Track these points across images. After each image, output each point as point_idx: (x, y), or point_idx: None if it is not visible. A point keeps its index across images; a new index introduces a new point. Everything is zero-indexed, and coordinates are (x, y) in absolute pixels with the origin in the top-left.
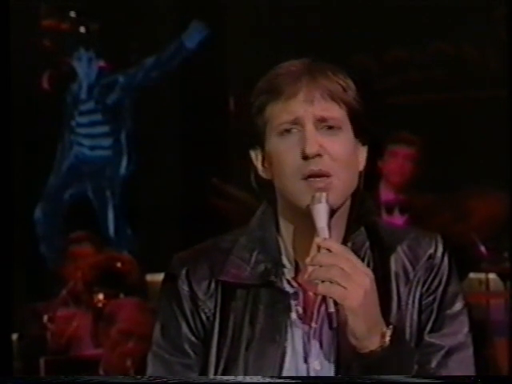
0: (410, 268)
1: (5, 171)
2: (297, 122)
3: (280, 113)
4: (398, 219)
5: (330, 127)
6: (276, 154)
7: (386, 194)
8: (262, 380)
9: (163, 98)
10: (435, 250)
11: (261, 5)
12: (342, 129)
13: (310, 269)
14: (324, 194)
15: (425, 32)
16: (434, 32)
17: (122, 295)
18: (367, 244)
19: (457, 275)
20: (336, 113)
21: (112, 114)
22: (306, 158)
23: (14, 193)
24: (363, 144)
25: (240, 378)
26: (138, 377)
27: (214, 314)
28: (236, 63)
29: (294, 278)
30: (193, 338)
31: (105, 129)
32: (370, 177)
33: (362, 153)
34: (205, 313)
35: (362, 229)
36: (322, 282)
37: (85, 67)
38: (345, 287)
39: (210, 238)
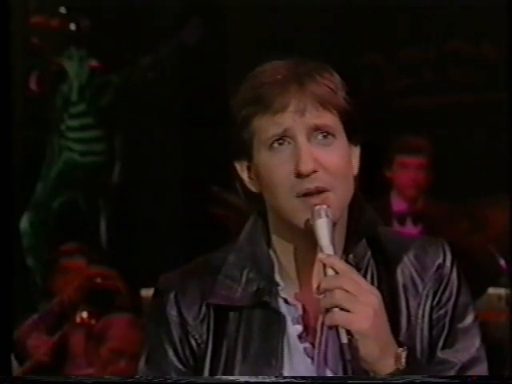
0: (418, 280)
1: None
2: (287, 134)
3: (268, 126)
4: (411, 230)
5: (324, 136)
6: (266, 169)
7: (397, 203)
8: (262, 380)
9: (160, 100)
10: (444, 260)
11: (263, 2)
12: (336, 136)
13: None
14: (324, 207)
15: (440, 30)
16: (451, 30)
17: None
18: (369, 253)
19: (466, 284)
20: (329, 120)
21: (105, 117)
22: (300, 176)
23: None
24: (355, 145)
25: (240, 378)
26: (137, 377)
27: (207, 341)
28: (237, 63)
29: (291, 295)
30: (180, 367)
31: (97, 133)
32: (378, 185)
33: (355, 154)
34: (195, 339)
35: (363, 239)
36: (327, 311)
37: (76, 67)
38: (350, 311)
39: (210, 248)
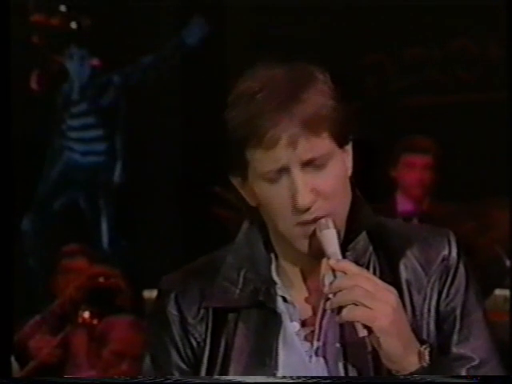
0: (422, 273)
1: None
2: (283, 169)
3: (263, 160)
4: None
5: (318, 164)
6: (264, 199)
7: (402, 203)
8: (262, 380)
9: (161, 100)
10: (449, 251)
11: (266, 2)
12: (330, 158)
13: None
14: (329, 219)
15: (446, 29)
16: (456, 29)
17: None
18: (370, 249)
19: (473, 276)
20: (321, 149)
21: (106, 116)
22: (298, 211)
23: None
24: (347, 143)
25: (240, 378)
26: (139, 377)
27: (205, 340)
28: (238, 63)
29: (289, 294)
30: (183, 366)
31: (98, 132)
32: (383, 185)
33: (349, 153)
34: (195, 338)
35: (364, 234)
36: (342, 308)
37: (77, 66)
38: (371, 308)
39: (212, 249)
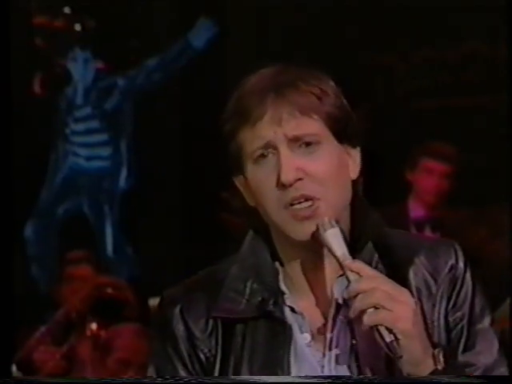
0: (431, 281)
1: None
2: (269, 145)
3: (251, 138)
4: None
5: (308, 144)
6: (254, 182)
7: (415, 209)
8: (267, 380)
9: (166, 103)
10: (456, 261)
11: (275, 2)
12: (322, 142)
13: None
14: (328, 218)
15: (457, 30)
16: (467, 31)
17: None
18: (376, 257)
19: (480, 285)
20: (310, 128)
21: (111, 120)
22: (282, 187)
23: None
24: (354, 147)
25: (246, 378)
26: (139, 377)
27: (215, 354)
28: (244, 64)
29: (297, 304)
30: None
31: (103, 137)
32: (399, 188)
33: (355, 157)
34: (204, 353)
35: (369, 243)
36: (363, 312)
37: (80, 69)
38: (392, 310)
39: (220, 255)
